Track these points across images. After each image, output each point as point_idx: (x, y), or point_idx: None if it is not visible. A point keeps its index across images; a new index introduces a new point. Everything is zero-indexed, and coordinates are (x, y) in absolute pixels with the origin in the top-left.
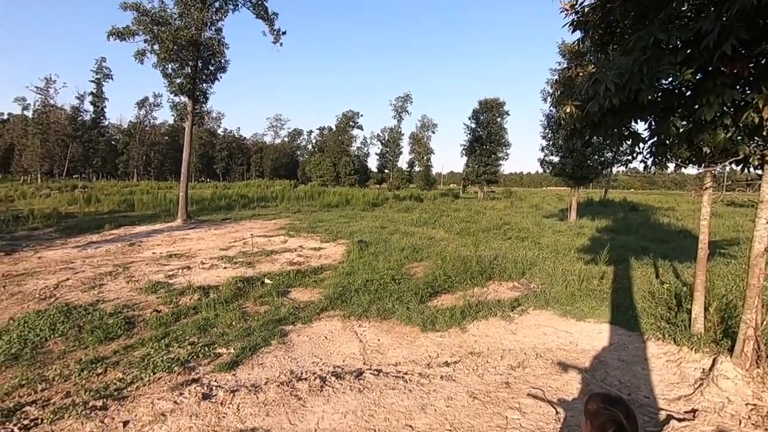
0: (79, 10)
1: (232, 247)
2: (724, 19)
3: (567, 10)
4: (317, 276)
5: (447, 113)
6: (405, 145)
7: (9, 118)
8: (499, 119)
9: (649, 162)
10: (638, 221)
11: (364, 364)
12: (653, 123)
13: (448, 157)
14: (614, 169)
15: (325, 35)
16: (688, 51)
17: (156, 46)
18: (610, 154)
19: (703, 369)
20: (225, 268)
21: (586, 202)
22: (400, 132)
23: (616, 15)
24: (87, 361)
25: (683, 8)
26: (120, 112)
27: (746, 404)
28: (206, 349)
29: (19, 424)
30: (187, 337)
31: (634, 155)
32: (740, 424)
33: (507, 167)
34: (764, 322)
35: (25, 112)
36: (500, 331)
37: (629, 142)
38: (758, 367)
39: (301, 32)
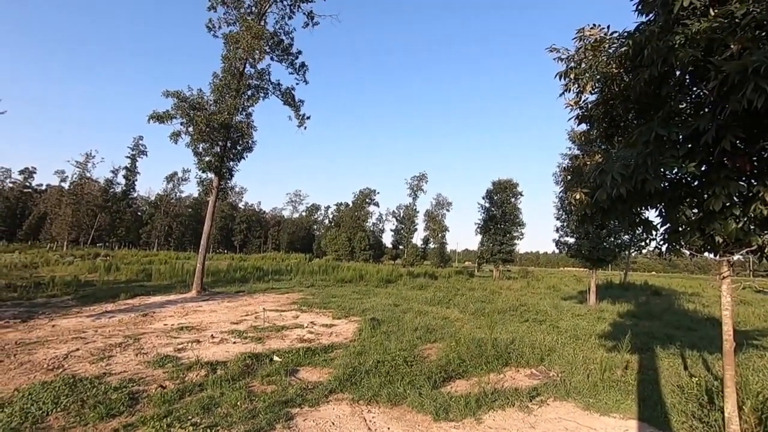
0: (120, 90)
1: (244, 321)
2: (719, 118)
3: (572, 105)
4: (327, 355)
5: (461, 192)
6: (420, 222)
7: (47, 188)
8: (512, 199)
9: (663, 248)
10: (662, 307)
11: None
12: (663, 211)
13: (463, 234)
14: (632, 252)
15: (345, 117)
16: (689, 146)
17: (190, 128)
18: (626, 236)
19: None
20: (234, 343)
21: (606, 285)
22: (415, 209)
23: (618, 111)
24: None
25: (682, 106)
26: (149, 185)
27: None
28: (208, 431)
29: None
30: (189, 417)
31: (647, 241)
32: None
33: (522, 246)
34: None
35: (63, 184)
36: (518, 423)
37: (640, 229)
38: None
39: (324, 115)
